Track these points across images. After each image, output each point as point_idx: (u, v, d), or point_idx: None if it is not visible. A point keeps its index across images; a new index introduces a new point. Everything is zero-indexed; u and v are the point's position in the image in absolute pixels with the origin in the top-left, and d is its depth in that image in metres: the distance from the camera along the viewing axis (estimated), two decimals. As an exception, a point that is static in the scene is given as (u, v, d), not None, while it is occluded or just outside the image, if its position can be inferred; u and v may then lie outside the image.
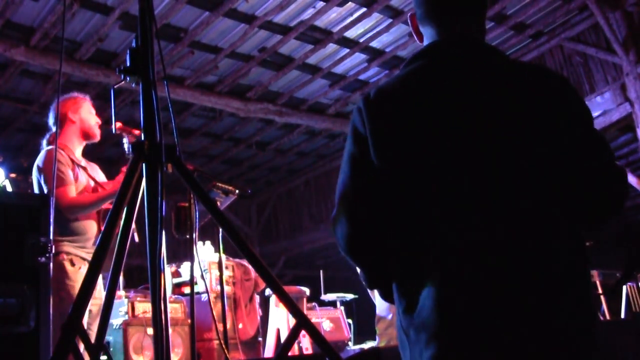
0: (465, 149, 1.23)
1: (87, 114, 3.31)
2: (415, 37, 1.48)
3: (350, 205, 1.30)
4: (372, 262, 1.33)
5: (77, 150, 3.30)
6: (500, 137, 1.23)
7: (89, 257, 3.10)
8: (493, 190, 1.20)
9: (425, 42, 1.42)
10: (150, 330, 4.07)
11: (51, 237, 2.16)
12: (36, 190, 3.17)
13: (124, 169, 3.08)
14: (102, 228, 3.19)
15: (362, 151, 1.30)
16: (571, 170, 1.22)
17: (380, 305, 4.12)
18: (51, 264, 2.16)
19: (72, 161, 3.19)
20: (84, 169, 3.28)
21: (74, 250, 3.06)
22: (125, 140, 3.14)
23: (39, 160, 3.16)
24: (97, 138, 3.35)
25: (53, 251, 2.19)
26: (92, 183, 3.26)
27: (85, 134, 3.30)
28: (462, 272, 1.17)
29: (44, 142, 3.32)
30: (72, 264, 3.03)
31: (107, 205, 3.21)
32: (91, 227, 3.17)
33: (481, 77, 1.29)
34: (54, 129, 3.25)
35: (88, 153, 3.45)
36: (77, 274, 3.02)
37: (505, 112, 1.25)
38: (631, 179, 6.91)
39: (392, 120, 1.30)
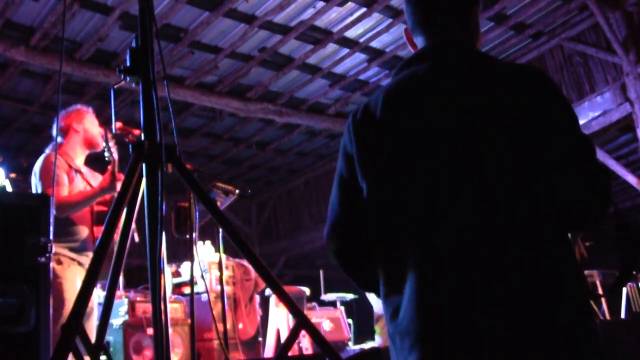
0: (457, 157, 1.23)
1: (90, 124, 3.47)
2: (411, 48, 1.50)
3: (338, 225, 1.39)
4: (363, 274, 1.42)
5: (79, 158, 3.43)
6: (491, 142, 1.23)
7: (78, 258, 3.16)
8: (488, 197, 1.20)
9: None
10: (150, 330, 4.07)
11: (51, 237, 2.17)
12: None
13: (111, 167, 3.16)
14: (95, 231, 3.25)
15: (350, 171, 1.37)
16: (560, 172, 1.22)
17: (377, 303, 4.11)
18: (51, 264, 2.17)
19: (70, 166, 3.31)
20: (82, 174, 3.38)
21: (61, 250, 3.11)
22: (105, 149, 3.27)
23: (36, 165, 3.28)
24: (101, 147, 3.45)
25: (53, 251, 2.20)
26: (88, 188, 3.34)
27: (89, 143, 3.45)
28: (452, 278, 1.17)
29: (47, 150, 3.44)
30: (59, 263, 3.08)
31: (100, 207, 3.30)
32: (82, 230, 3.23)
33: (470, 83, 1.29)
34: (58, 139, 3.41)
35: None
36: (65, 272, 3.08)
37: (494, 117, 1.24)
38: (631, 179, 6.91)
39: (378, 138, 1.33)
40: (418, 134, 1.28)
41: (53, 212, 3.02)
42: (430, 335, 1.16)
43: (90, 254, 3.24)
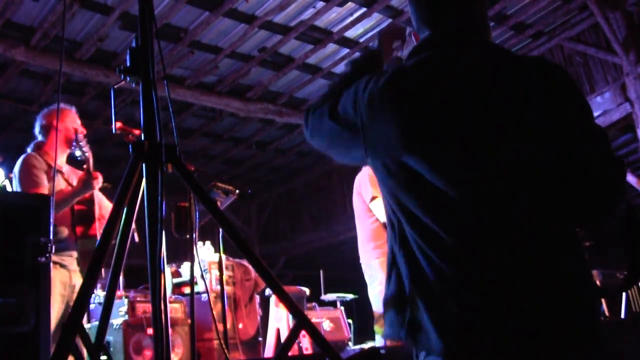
0: (459, 148, 1.21)
1: (71, 123, 3.42)
2: None
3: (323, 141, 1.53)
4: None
5: (60, 157, 3.38)
6: (500, 132, 1.21)
7: (60, 260, 3.12)
8: (489, 194, 1.19)
9: None
10: (150, 330, 4.07)
11: (51, 237, 2.17)
12: None
13: (86, 166, 3.16)
14: (78, 230, 3.22)
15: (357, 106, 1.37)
16: (573, 164, 1.19)
17: (375, 302, 4.10)
18: (51, 264, 2.17)
19: (49, 166, 3.27)
20: (62, 173, 3.36)
21: None
22: (77, 148, 3.27)
23: (15, 167, 3.25)
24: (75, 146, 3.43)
25: (53, 251, 2.20)
26: (69, 188, 3.33)
27: (69, 142, 3.39)
28: (457, 277, 1.17)
29: (28, 149, 3.42)
30: None
31: (80, 206, 3.28)
32: (62, 231, 3.19)
33: (475, 70, 1.28)
34: (39, 137, 3.41)
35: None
36: None
37: (501, 107, 1.23)
38: (631, 179, 6.91)
39: (397, 107, 1.29)
40: (421, 127, 1.25)
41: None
42: (447, 334, 1.16)
43: (73, 253, 3.22)
